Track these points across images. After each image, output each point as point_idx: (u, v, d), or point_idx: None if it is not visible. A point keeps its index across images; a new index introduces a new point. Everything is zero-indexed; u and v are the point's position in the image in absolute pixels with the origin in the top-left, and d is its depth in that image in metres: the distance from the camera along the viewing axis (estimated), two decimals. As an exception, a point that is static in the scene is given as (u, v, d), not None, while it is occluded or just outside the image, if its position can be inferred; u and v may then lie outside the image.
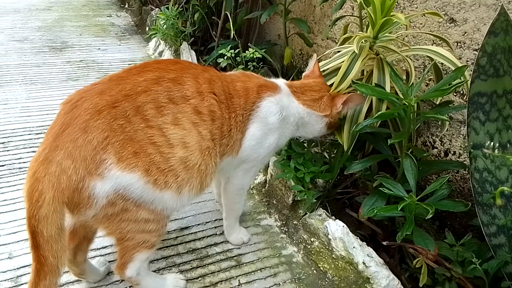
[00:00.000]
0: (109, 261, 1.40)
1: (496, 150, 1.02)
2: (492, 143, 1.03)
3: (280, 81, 1.43)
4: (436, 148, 1.59)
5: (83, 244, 1.23)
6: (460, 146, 1.50)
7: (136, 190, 1.04)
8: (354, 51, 1.28)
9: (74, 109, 1.03)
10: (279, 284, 1.40)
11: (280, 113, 1.33)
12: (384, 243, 1.24)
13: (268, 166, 1.78)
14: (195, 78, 1.17)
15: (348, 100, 1.37)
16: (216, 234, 1.58)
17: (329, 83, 1.48)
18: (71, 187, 0.97)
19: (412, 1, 1.61)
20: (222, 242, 1.55)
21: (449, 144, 1.54)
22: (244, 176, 1.41)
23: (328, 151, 1.71)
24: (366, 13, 1.38)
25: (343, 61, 1.41)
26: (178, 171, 1.09)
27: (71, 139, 0.99)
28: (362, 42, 1.33)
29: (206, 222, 1.64)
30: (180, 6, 3.00)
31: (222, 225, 1.61)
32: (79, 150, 0.98)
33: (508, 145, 1.10)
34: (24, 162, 1.87)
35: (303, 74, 1.51)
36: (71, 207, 1.00)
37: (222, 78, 1.28)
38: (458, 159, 1.52)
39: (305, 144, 1.65)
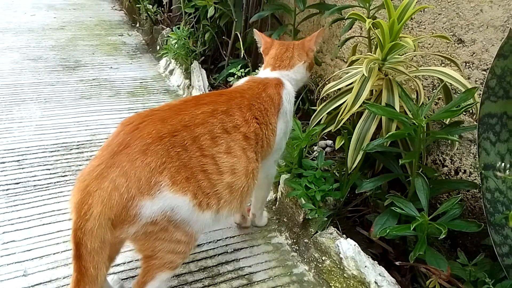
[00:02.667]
0: (122, 279, 1.42)
1: (507, 171, 1.03)
2: (503, 164, 1.04)
3: (268, 71, 1.54)
4: (446, 166, 1.60)
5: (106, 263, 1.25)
6: (471, 164, 1.51)
7: (182, 211, 1.09)
8: (364, 74, 1.30)
9: (135, 131, 1.10)
10: (291, 303, 1.40)
11: (291, 96, 1.48)
12: (397, 263, 1.24)
13: (279, 184, 1.79)
14: (239, 108, 1.29)
15: (315, 39, 1.58)
16: (227, 252, 1.59)
17: (340, 102, 1.52)
18: (121, 205, 1.02)
19: (420, 23, 1.64)
20: (233, 260, 1.56)
21: (459, 163, 1.55)
22: (274, 165, 1.56)
23: (338, 169, 1.73)
24: (374, 33, 1.41)
25: (352, 82, 1.44)
26: (223, 194, 1.18)
27: (130, 159, 1.05)
28: (371, 64, 1.35)
29: (217, 240, 1.65)
30: (191, 26, 3.06)
31: (233, 243, 1.62)
32: (136, 170, 1.04)
33: (519, 165, 1.11)
34: (38, 180, 1.90)
35: (261, 50, 1.66)
36: (116, 223, 1.04)
37: (255, 98, 1.36)
38: (468, 177, 1.52)
39: (316, 163, 1.67)
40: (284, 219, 1.75)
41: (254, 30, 1.68)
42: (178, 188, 1.08)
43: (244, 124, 1.26)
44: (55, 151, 2.13)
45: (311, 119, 1.66)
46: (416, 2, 1.38)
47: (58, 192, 1.83)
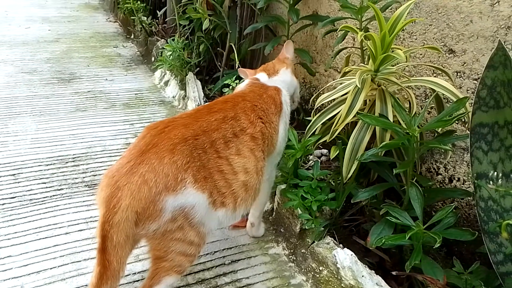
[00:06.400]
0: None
1: (500, 180, 1.04)
2: (495, 173, 1.06)
3: (263, 75, 1.65)
4: (441, 174, 1.62)
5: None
6: (464, 172, 1.52)
7: (200, 209, 1.17)
8: (357, 85, 1.32)
9: (161, 134, 1.19)
10: (289, 314, 1.40)
11: (288, 100, 1.58)
12: (394, 273, 1.25)
13: (275, 195, 1.80)
14: (244, 112, 1.37)
15: (285, 50, 1.75)
16: (224, 264, 1.59)
17: (334, 112, 1.53)
18: (149, 198, 1.08)
19: (412, 33, 1.67)
20: (230, 272, 1.56)
21: (453, 171, 1.57)
22: (275, 170, 1.62)
23: (334, 179, 1.74)
24: (366, 45, 1.43)
25: (346, 93, 1.46)
26: (240, 193, 1.27)
27: (158, 156, 1.13)
28: (364, 75, 1.37)
29: (215, 252, 1.65)
30: (186, 37, 3.08)
31: (230, 255, 1.62)
32: (163, 166, 1.11)
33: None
34: (34, 194, 1.90)
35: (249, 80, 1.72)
36: (141, 217, 1.08)
37: (257, 98, 1.46)
38: (462, 185, 1.54)
39: (312, 173, 1.68)
40: (281, 230, 1.75)
41: (238, 69, 1.80)
42: (199, 186, 1.16)
43: (250, 126, 1.35)
44: (50, 164, 2.13)
45: (306, 130, 1.67)
46: (407, 14, 1.40)
47: (55, 206, 1.82)
